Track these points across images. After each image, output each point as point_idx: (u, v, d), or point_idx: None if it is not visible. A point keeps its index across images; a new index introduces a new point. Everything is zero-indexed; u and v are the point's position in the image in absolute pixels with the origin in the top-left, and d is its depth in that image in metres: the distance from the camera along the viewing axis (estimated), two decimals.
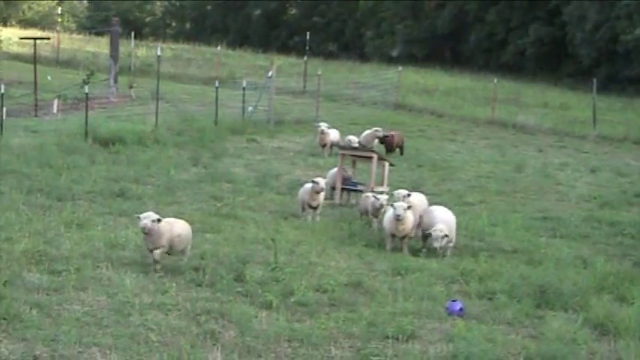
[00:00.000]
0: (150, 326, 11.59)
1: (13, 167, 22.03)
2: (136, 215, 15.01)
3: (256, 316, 12.42)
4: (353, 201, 22.82)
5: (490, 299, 14.19)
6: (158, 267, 14.31)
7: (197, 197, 21.22)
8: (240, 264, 14.67)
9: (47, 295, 12.59)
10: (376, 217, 19.25)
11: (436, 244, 17.11)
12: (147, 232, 14.34)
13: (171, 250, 14.71)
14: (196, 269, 14.36)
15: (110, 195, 20.27)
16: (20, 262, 13.95)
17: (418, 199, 19.40)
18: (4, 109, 27.88)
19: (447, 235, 17.09)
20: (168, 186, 22.03)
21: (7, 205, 18.01)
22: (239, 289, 13.57)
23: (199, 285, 13.76)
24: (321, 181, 20.15)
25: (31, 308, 11.80)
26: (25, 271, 13.57)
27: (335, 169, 23.16)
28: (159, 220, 14.42)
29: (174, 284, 13.55)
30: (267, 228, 18.41)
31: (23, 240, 15.08)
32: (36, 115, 32.64)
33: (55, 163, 22.90)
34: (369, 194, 19.92)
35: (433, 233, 17.20)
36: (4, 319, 11.29)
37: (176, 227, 14.80)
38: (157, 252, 14.40)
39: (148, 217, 14.38)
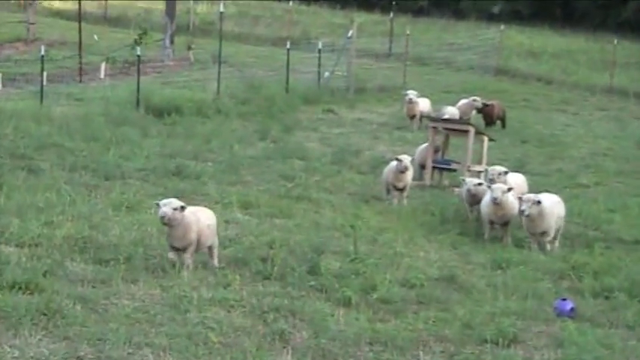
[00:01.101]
0: (210, 325, 11.63)
1: (54, 140, 22.33)
2: (155, 202, 14.52)
3: (332, 315, 12.43)
4: (445, 182, 22.74)
5: (607, 298, 14.07)
6: (186, 274, 13.72)
7: (265, 176, 21.33)
8: (314, 254, 14.69)
9: (93, 287, 12.70)
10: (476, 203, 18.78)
11: (524, 207, 16.72)
12: (167, 223, 13.76)
13: (198, 246, 14.11)
14: (264, 260, 14.38)
15: (165, 173, 20.46)
16: (62, 249, 14.09)
17: (516, 181, 19.20)
18: (45, 74, 28.24)
19: (539, 202, 16.82)
20: (232, 163, 22.16)
21: (48, 184, 18.22)
22: (313, 283, 13.60)
23: (267, 278, 13.80)
24: (406, 159, 20.06)
25: (74, 303, 11.88)
26: (68, 260, 13.70)
27: (425, 145, 23.06)
28: (182, 208, 13.81)
29: (237, 277, 13.57)
30: (345, 212, 18.44)
31: (66, 224, 15.23)
32: (80, 81, 33.06)
33: (102, 136, 23.17)
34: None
35: (524, 197, 16.99)
36: (44, 314, 11.38)
37: (203, 216, 14.23)
38: (188, 255, 13.91)
39: (168, 204, 13.77)
